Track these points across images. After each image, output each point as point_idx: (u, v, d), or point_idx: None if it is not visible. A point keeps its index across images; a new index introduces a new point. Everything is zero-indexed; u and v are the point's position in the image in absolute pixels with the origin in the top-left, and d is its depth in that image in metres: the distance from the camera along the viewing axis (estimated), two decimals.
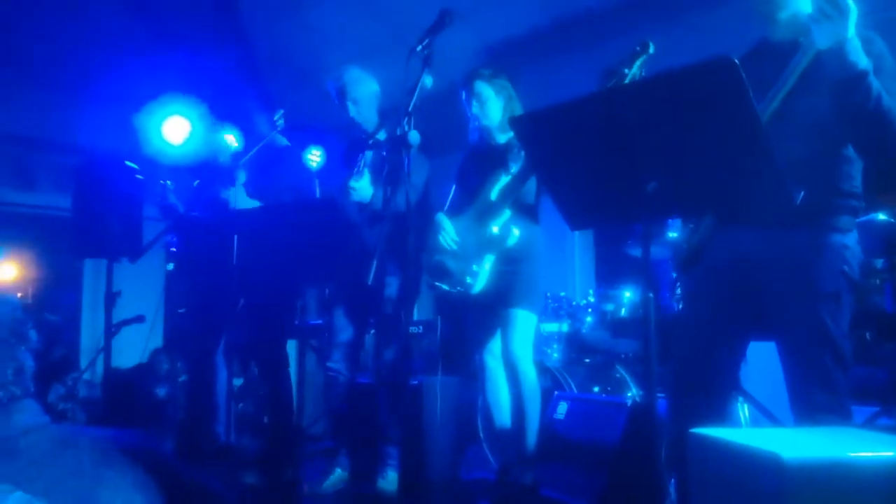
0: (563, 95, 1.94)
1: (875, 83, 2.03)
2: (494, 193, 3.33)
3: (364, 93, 3.83)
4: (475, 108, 3.44)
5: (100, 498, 1.28)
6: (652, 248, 2.01)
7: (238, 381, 4.98)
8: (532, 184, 3.34)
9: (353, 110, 3.82)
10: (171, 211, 4.22)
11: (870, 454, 1.53)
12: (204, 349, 4.23)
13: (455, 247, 3.35)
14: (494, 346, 3.46)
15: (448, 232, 3.37)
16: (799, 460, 1.48)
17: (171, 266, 6.05)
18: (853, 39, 2.00)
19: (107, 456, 1.34)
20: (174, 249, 5.09)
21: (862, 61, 2.02)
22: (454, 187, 3.64)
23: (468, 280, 3.28)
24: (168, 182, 4.16)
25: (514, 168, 3.26)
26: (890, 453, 1.53)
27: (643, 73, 2.33)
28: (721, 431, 1.83)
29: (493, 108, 3.43)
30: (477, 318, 3.50)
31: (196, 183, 4.29)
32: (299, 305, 4.07)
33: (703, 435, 1.80)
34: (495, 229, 3.28)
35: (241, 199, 3.88)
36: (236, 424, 4.61)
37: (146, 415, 5.32)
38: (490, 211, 3.31)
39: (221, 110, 4.30)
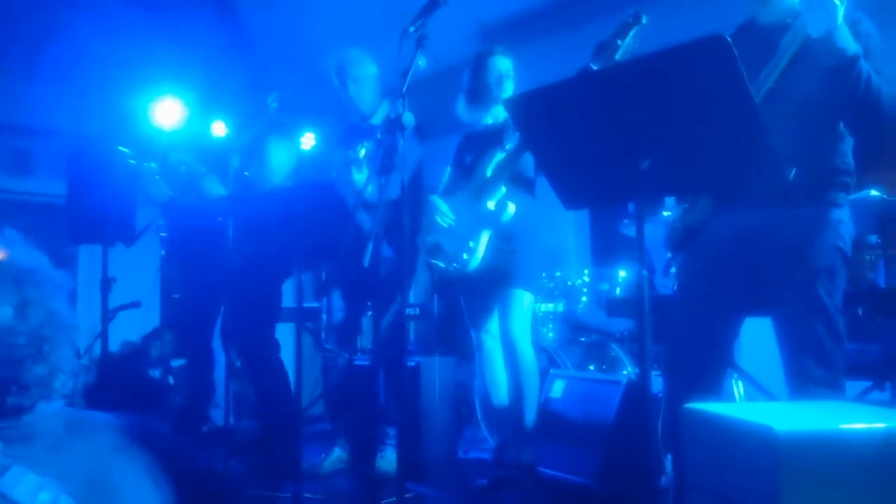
0: (557, 75, 1.95)
1: (865, 66, 2.05)
2: (490, 170, 3.33)
3: (364, 73, 3.82)
4: (496, 79, 3.44)
5: (111, 481, 1.30)
6: (646, 228, 2.03)
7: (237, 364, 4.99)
8: (530, 157, 3.35)
9: (352, 88, 3.81)
10: (158, 197, 4.19)
11: (861, 426, 1.55)
12: (200, 333, 4.24)
13: (451, 224, 3.36)
14: (492, 326, 3.47)
15: (443, 211, 3.38)
16: (791, 433, 1.51)
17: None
18: (842, 27, 2.01)
19: (117, 440, 1.36)
20: (164, 234, 5.07)
21: (851, 47, 2.03)
22: (449, 169, 3.64)
23: (464, 256, 3.28)
24: (153, 164, 4.13)
25: (510, 144, 3.26)
26: (881, 425, 1.55)
27: (636, 44, 2.33)
28: (715, 406, 1.85)
29: (509, 85, 3.45)
30: (474, 297, 3.52)
31: (184, 168, 4.27)
32: (284, 289, 4.05)
33: (697, 409, 1.83)
34: (491, 205, 3.28)
35: (233, 183, 3.87)
36: (235, 407, 4.63)
37: (141, 399, 5.33)
38: (485, 187, 3.31)
39: (214, 94, 4.29)
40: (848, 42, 2.03)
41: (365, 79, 3.82)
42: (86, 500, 1.25)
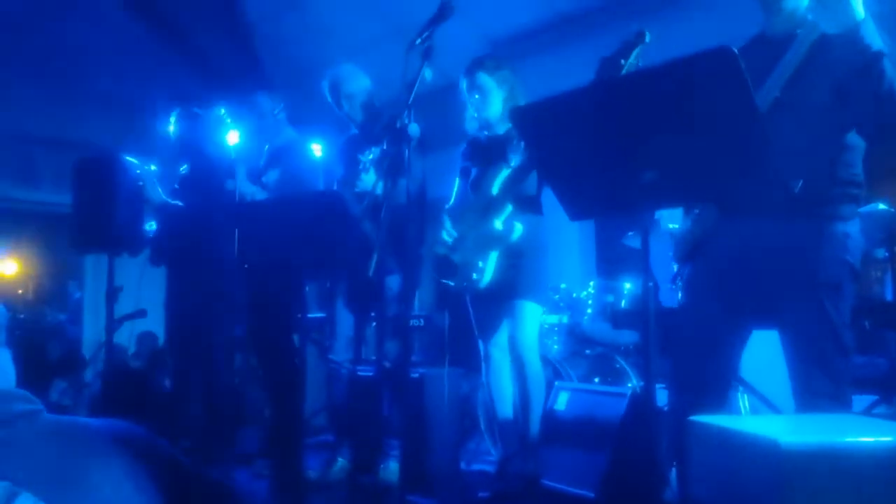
0: (563, 89, 1.95)
1: (888, 64, 2.01)
2: (496, 188, 3.33)
3: (356, 88, 3.85)
4: (475, 99, 3.43)
5: (87, 485, 1.27)
6: (651, 240, 2.02)
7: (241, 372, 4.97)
8: (533, 175, 3.34)
9: (346, 106, 3.84)
10: (153, 200, 4.18)
11: (867, 440, 1.54)
12: (205, 343, 4.23)
13: (454, 241, 3.36)
14: (500, 338, 3.47)
15: (448, 228, 3.39)
16: (796, 446, 1.50)
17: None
18: (867, 21, 1.98)
19: (96, 444, 1.32)
20: (151, 234, 5.03)
21: (876, 42, 2.00)
22: (457, 181, 3.65)
23: (474, 276, 3.29)
24: (153, 167, 4.12)
25: (515, 161, 3.26)
26: (887, 439, 1.54)
27: (640, 64, 2.32)
28: (720, 418, 1.84)
29: (494, 99, 3.41)
30: (483, 309, 3.51)
31: (183, 168, 4.26)
32: (303, 298, 4.04)
33: (702, 422, 1.82)
34: (499, 225, 3.28)
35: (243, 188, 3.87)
36: (239, 415, 4.61)
37: (152, 408, 5.32)
38: (492, 206, 3.31)
39: (221, 103, 4.29)
40: (874, 38, 2.00)
41: (358, 94, 3.85)
42: None
